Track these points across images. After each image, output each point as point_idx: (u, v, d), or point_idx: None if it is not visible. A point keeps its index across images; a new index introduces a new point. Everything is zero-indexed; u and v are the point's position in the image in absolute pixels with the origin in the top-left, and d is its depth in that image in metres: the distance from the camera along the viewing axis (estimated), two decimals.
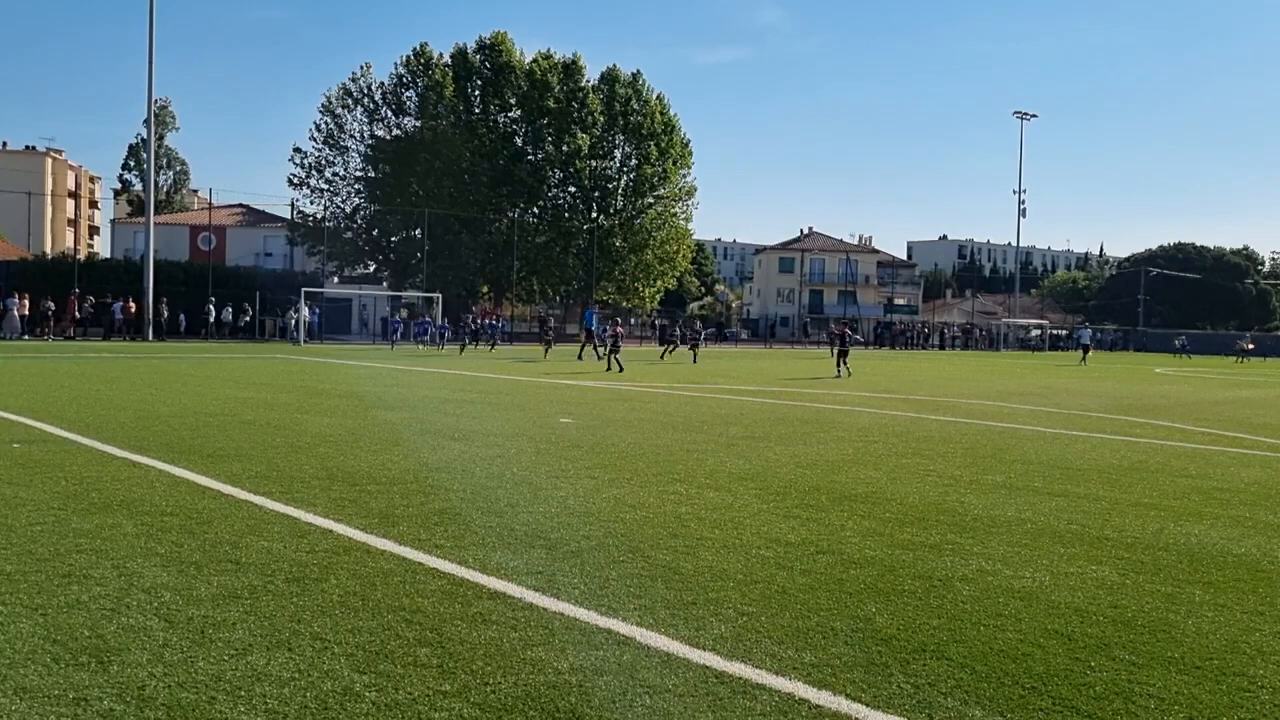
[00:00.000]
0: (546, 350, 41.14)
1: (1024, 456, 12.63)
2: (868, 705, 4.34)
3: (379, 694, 4.30)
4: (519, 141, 68.98)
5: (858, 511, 8.65)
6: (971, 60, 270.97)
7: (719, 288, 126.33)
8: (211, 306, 49.63)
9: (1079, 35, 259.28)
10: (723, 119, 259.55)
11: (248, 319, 51.50)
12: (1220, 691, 4.65)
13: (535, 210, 69.97)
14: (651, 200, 71.98)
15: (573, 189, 70.74)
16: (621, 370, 29.20)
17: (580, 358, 37.73)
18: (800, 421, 16.38)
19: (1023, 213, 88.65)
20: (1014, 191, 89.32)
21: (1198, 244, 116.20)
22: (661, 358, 42.03)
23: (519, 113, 68.58)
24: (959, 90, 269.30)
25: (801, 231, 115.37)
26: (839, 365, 31.56)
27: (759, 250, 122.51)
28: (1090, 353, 57.17)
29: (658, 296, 75.41)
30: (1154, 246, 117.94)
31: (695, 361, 38.98)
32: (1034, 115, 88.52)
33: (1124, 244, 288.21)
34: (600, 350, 35.02)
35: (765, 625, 5.39)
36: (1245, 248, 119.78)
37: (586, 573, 6.33)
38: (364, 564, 6.38)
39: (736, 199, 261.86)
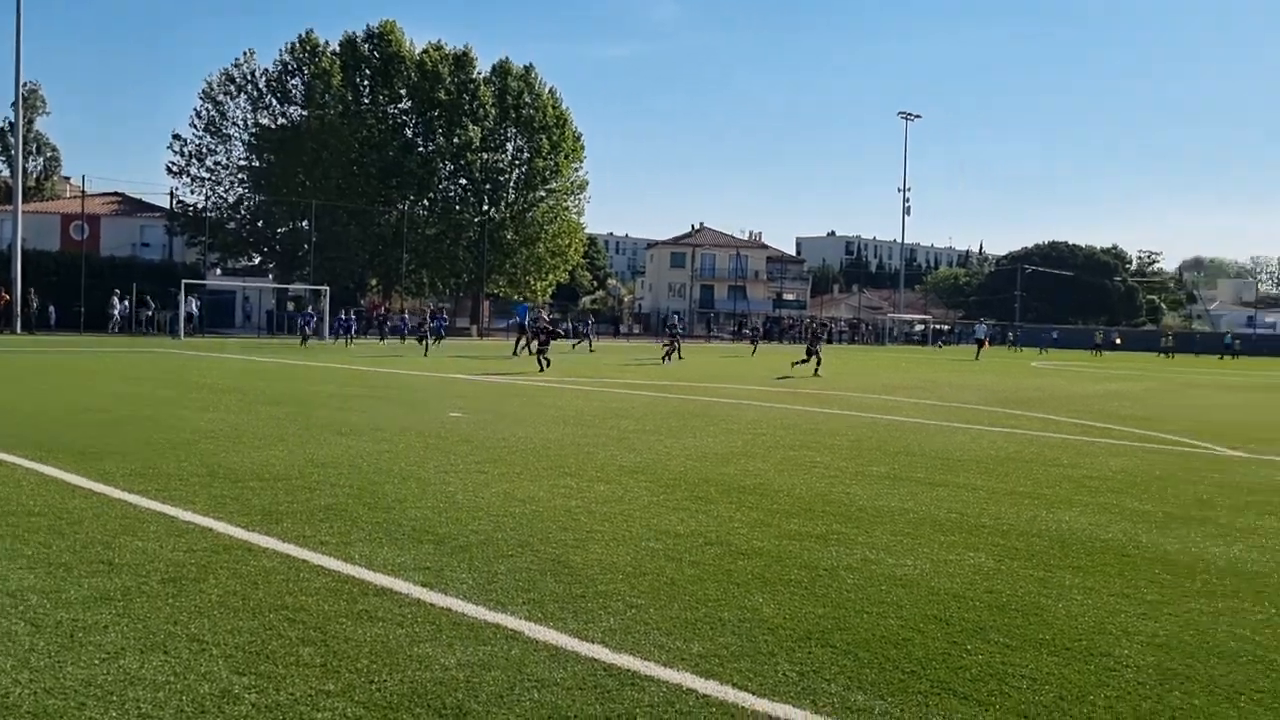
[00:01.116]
0: (427, 346, 40.00)
1: (907, 448, 12.96)
2: (754, 694, 4.40)
3: (259, 695, 4.19)
4: (409, 133, 67.92)
5: (746, 503, 8.76)
6: (860, 60, 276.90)
7: (611, 282, 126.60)
8: (115, 299, 47.65)
9: (962, 38, 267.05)
10: (615, 113, 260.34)
11: (150, 313, 49.66)
12: (1088, 671, 4.85)
13: (425, 202, 68.99)
14: (543, 194, 71.66)
15: (464, 181, 69.97)
16: (544, 368, 28.03)
17: (515, 354, 37.59)
18: (691, 415, 16.52)
19: (907, 210, 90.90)
20: (899, 190, 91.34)
21: (1071, 243, 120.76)
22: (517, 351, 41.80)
23: (409, 104, 67.51)
24: (848, 89, 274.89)
25: (693, 227, 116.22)
26: (808, 359, 31.39)
27: (651, 245, 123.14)
28: (985, 347, 58.47)
29: (549, 290, 75.15)
30: (1030, 245, 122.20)
31: (591, 350, 39.17)
32: (918, 116, 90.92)
33: (1002, 242, 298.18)
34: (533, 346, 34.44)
35: (654, 617, 5.42)
36: (1114, 247, 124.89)
37: (475, 567, 6.28)
38: (245, 563, 6.21)
39: (629, 194, 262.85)
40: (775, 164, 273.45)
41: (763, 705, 4.27)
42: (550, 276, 73.72)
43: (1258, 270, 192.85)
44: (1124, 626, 5.57)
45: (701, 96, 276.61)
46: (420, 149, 67.36)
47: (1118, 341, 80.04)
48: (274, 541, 6.75)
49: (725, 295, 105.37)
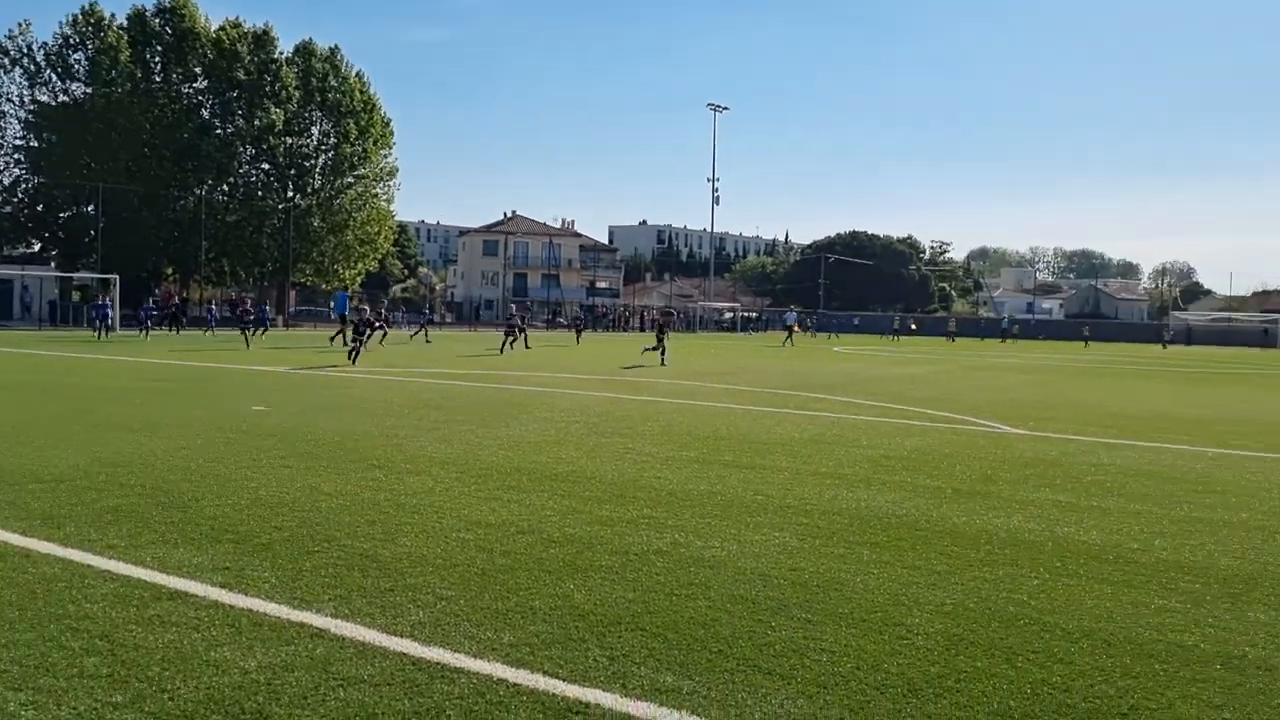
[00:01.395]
0: (248, 338, 38.09)
1: (716, 433, 13.27)
2: (565, 680, 4.42)
3: (38, 712, 3.93)
4: (206, 114, 64.81)
5: (558, 491, 8.78)
6: (670, 50, 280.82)
7: (423, 270, 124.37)
8: None
9: (769, 31, 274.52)
10: (426, 99, 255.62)
11: None
12: (882, 641, 5.09)
13: (225, 187, 66.02)
14: (351, 180, 69.73)
15: (266, 166, 67.35)
16: (355, 359, 26.88)
17: (331, 343, 36.34)
18: (504, 404, 16.43)
19: (716, 200, 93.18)
20: (708, 180, 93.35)
21: (870, 232, 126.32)
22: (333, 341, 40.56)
23: (205, 83, 64.42)
24: (658, 79, 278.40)
25: (505, 215, 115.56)
26: (658, 347, 31.54)
27: (463, 233, 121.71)
28: (795, 333, 60.04)
29: (359, 279, 73.22)
30: (833, 234, 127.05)
31: (382, 344, 38.07)
32: (726, 108, 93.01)
33: (807, 232, 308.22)
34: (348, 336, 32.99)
35: (464, 608, 5.38)
36: (909, 237, 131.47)
37: (278, 565, 6.07)
38: (23, 571, 5.81)
39: (440, 181, 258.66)
40: (587, 153, 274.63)
41: (573, 691, 4.30)
42: (359, 265, 71.84)
43: (1036, 260, 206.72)
44: (915, 597, 5.87)
45: (513, 82, 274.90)
46: (219, 131, 64.42)
47: (913, 327, 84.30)
48: (54, 547, 6.34)
49: (539, 284, 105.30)
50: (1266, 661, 4.96)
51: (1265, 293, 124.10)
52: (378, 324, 33.77)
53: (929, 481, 9.89)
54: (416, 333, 46.42)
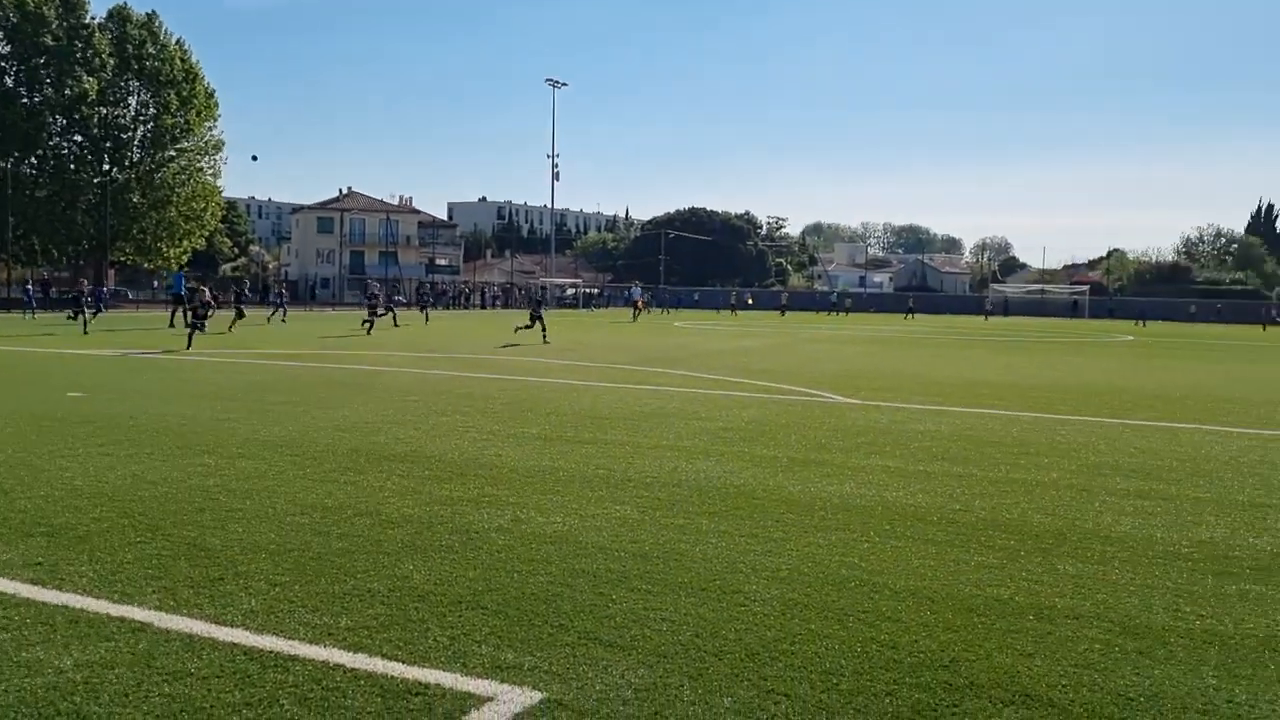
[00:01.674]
0: (85, 321, 35.26)
1: (558, 409, 13.27)
2: (404, 662, 4.36)
3: None
4: (10, 81, 60.64)
5: (397, 471, 8.63)
6: (508, 26, 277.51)
7: (254, 248, 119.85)
8: None
9: (608, 6, 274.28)
10: (254, 71, 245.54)
11: None
12: (720, 608, 5.20)
13: (33, 160, 62.04)
14: (174, 153, 66.50)
15: (79, 138, 63.61)
16: (191, 341, 25.44)
17: (171, 325, 34.46)
18: (341, 385, 16.03)
19: (556, 176, 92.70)
20: (548, 156, 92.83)
21: (709, 209, 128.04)
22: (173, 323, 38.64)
23: (9, 48, 60.24)
24: (495, 54, 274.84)
25: (340, 191, 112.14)
26: (532, 325, 31.13)
27: (296, 210, 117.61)
28: (640, 310, 59.80)
29: (185, 257, 69.99)
30: (672, 210, 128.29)
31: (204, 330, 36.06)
32: (564, 84, 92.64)
33: (648, 208, 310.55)
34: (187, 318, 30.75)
35: (299, 594, 5.24)
36: (747, 213, 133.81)
37: (97, 558, 5.77)
38: None
39: (271, 155, 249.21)
40: (425, 128, 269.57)
41: (413, 673, 4.24)
42: (185, 243, 68.65)
43: (867, 235, 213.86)
44: (752, 564, 6.02)
45: (346, 54, 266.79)
46: (24, 100, 60.38)
47: (749, 302, 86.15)
48: None
49: (376, 261, 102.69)
50: (1074, 610, 5.29)
51: (1074, 266, 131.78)
52: (217, 306, 31.80)
53: (766, 451, 10.14)
54: (274, 314, 44.17)
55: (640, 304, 60.26)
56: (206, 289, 29.87)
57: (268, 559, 5.86)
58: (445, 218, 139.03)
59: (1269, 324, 70.21)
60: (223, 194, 74.24)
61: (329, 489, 7.84)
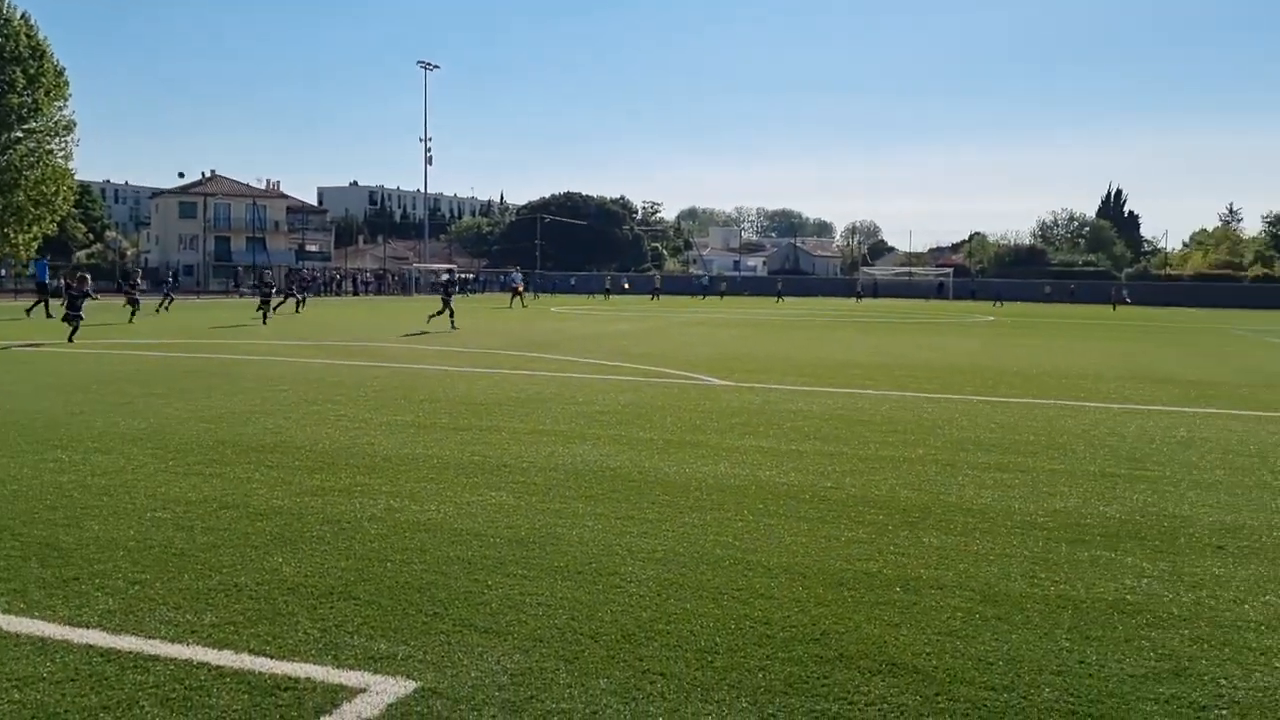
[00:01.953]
0: None
1: (432, 395, 13.10)
2: (272, 657, 4.25)
3: None
4: None
5: (265, 462, 8.40)
6: (380, 6, 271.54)
7: (110, 234, 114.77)
8: None
9: None
10: (107, 49, 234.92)
11: None
12: (597, 590, 5.22)
13: None
14: (20, 134, 62.96)
15: None
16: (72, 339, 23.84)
17: (29, 314, 32.57)
18: (208, 374, 15.49)
19: (429, 160, 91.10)
20: (421, 139, 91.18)
21: (584, 193, 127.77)
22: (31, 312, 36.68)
23: None
24: (367, 36, 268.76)
25: (204, 175, 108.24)
26: (443, 312, 30.53)
27: (156, 194, 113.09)
28: (521, 295, 58.66)
29: (34, 244, 66.53)
30: (548, 195, 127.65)
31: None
32: (437, 66, 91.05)
33: (522, 193, 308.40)
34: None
35: (160, 592, 5.05)
36: (622, 198, 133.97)
37: None
38: None
39: (128, 137, 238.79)
40: (293, 111, 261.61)
41: (282, 668, 4.14)
42: (35, 228, 65.11)
43: (741, 219, 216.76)
44: (629, 546, 6.05)
45: (210, 35, 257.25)
46: None
47: (626, 286, 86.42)
48: None
49: (243, 247, 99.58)
50: (937, 581, 5.48)
51: (939, 249, 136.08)
52: (95, 295, 29.50)
53: (642, 434, 10.20)
54: (163, 303, 41.50)
55: (520, 289, 59.56)
56: (89, 276, 27.94)
57: (126, 557, 5.64)
58: (315, 203, 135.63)
59: (1119, 303, 73.74)
60: (75, 177, 70.77)
61: (193, 482, 7.58)
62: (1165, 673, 4.28)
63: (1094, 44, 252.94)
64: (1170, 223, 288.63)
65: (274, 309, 33.70)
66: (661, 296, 77.16)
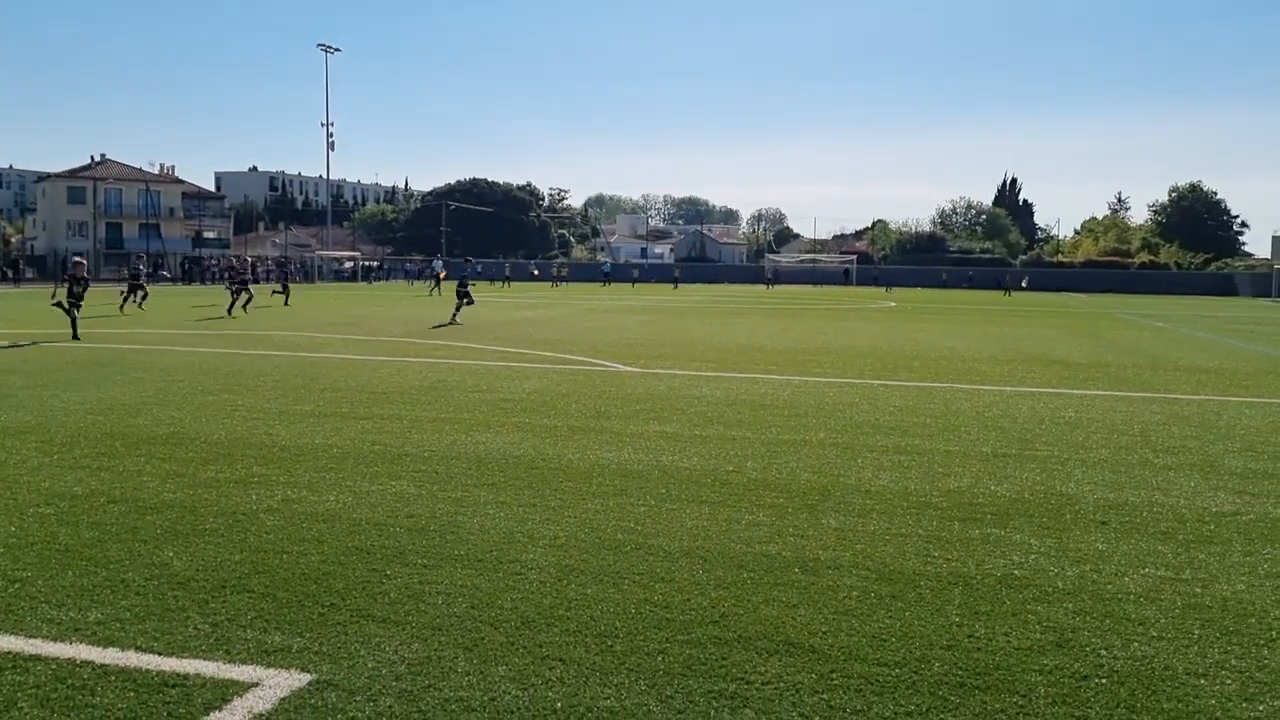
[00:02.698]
0: None
1: (334, 384, 12.87)
2: (160, 654, 4.14)
3: None
4: None
5: (157, 454, 8.16)
6: None
7: None
8: None
9: None
10: None
11: None
12: (497, 578, 5.19)
13: None
14: None
15: None
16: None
17: None
18: (96, 364, 14.98)
19: (331, 146, 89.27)
20: (322, 124, 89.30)
21: (490, 179, 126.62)
22: None
23: None
24: (265, 16, 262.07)
25: (93, 158, 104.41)
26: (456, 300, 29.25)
27: (42, 178, 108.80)
28: (440, 284, 56.77)
29: None
30: (453, 181, 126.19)
31: None
32: (338, 49, 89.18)
33: (427, 179, 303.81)
34: None
35: (43, 589, 4.88)
36: (529, 184, 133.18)
37: None
38: None
39: (12, 118, 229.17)
40: (188, 93, 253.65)
41: (170, 664, 4.03)
42: None
43: (648, 207, 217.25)
44: (530, 533, 6.03)
45: (98, 12, 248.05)
46: None
47: (534, 273, 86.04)
48: None
49: (137, 234, 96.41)
50: (835, 561, 5.57)
51: (843, 236, 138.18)
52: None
53: (546, 421, 10.17)
54: (129, 297, 36.85)
55: (442, 276, 58.19)
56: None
57: (6, 554, 5.43)
58: (213, 188, 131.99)
59: (1013, 289, 75.85)
60: None
61: (79, 476, 7.34)
62: (1049, 644, 4.43)
63: (992, 36, 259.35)
64: (1062, 210, 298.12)
65: (240, 302, 30.92)
66: (565, 284, 76.89)
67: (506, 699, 3.79)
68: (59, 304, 21.08)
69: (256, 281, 36.85)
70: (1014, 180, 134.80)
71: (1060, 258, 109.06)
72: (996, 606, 4.90)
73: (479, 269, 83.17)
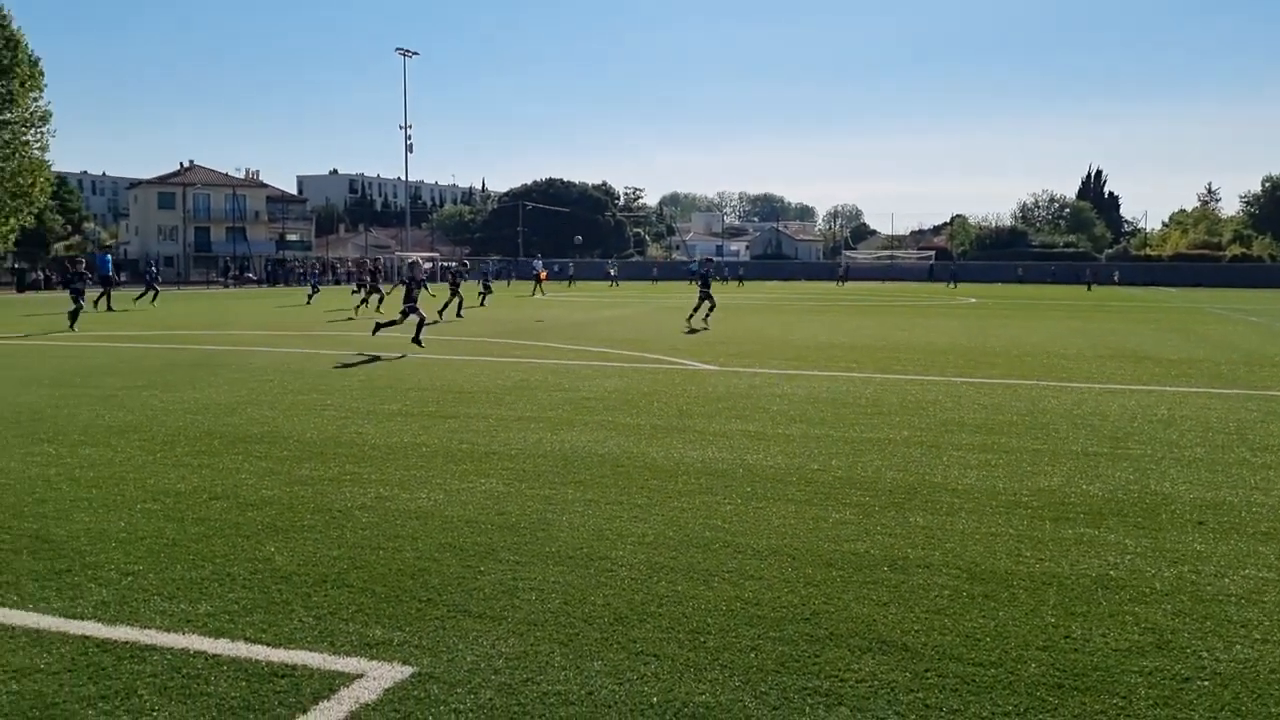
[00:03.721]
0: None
1: (419, 384, 13.10)
2: (269, 645, 4.28)
3: None
4: None
5: (253, 452, 8.41)
6: None
7: (89, 225, 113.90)
8: None
9: None
10: (84, 39, 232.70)
11: None
12: (588, 574, 5.26)
13: None
14: None
15: None
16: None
17: (95, 307, 32.33)
18: (189, 366, 15.45)
19: (410, 148, 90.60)
20: (401, 127, 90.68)
21: (566, 179, 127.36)
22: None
23: None
24: (345, 22, 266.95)
25: (182, 165, 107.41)
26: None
27: (134, 185, 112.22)
28: (541, 283, 57.32)
29: (12, 236, 65.97)
30: (530, 181, 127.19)
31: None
32: (416, 53, 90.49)
33: (504, 179, 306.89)
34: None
35: (154, 582, 5.07)
36: (604, 183, 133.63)
37: None
38: None
39: (106, 128, 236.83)
40: (271, 100, 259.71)
41: (278, 655, 4.17)
42: (12, 220, 64.60)
43: (723, 204, 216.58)
44: (619, 531, 6.10)
45: (185, 23, 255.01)
46: None
47: (612, 273, 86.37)
48: None
49: (224, 237, 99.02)
50: (925, 560, 5.54)
51: (920, 231, 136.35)
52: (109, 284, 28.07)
53: (629, 419, 10.24)
54: (142, 295, 38.46)
55: (543, 276, 58.64)
56: (83, 260, 27.09)
57: (118, 548, 5.65)
58: (295, 192, 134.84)
59: (1095, 284, 74.15)
60: (52, 168, 70.13)
61: (181, 473, 7.59)
62: (1149, 646, 4.36)
63: (1076, 27, 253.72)
64: (1150, 203, 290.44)
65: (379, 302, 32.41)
66: (619, 283, 76.70)
67: (603, 693, 3.85)
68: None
69: (388, 281, 38.02)
70: (1099, 172, 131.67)
71: (1148, 251, 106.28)
72: (1093, 607, 4.84)
73: (556, 267, 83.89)
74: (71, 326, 23.27)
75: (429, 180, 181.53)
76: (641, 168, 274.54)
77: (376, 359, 16.53)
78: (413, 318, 18.42)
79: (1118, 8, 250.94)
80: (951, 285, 75.15)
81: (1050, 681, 4.00)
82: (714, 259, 42.07)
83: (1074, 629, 4.55)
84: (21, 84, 62.92)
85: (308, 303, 36.75)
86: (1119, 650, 4.32)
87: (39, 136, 65.71)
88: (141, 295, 37.90)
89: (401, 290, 20.45)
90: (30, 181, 64.88)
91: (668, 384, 13.30)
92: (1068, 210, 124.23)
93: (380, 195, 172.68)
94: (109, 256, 36.96)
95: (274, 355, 17.40)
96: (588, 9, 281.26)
